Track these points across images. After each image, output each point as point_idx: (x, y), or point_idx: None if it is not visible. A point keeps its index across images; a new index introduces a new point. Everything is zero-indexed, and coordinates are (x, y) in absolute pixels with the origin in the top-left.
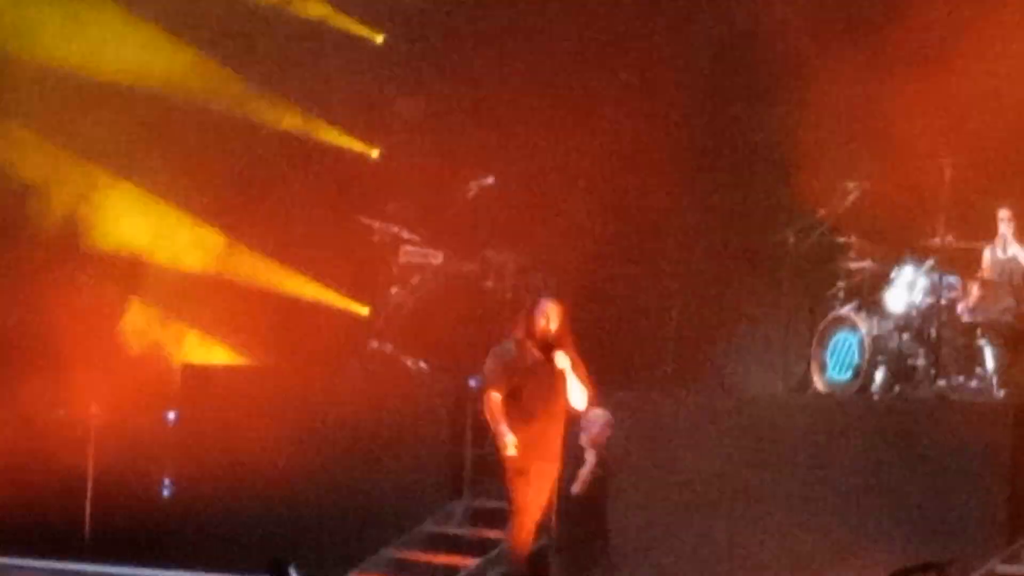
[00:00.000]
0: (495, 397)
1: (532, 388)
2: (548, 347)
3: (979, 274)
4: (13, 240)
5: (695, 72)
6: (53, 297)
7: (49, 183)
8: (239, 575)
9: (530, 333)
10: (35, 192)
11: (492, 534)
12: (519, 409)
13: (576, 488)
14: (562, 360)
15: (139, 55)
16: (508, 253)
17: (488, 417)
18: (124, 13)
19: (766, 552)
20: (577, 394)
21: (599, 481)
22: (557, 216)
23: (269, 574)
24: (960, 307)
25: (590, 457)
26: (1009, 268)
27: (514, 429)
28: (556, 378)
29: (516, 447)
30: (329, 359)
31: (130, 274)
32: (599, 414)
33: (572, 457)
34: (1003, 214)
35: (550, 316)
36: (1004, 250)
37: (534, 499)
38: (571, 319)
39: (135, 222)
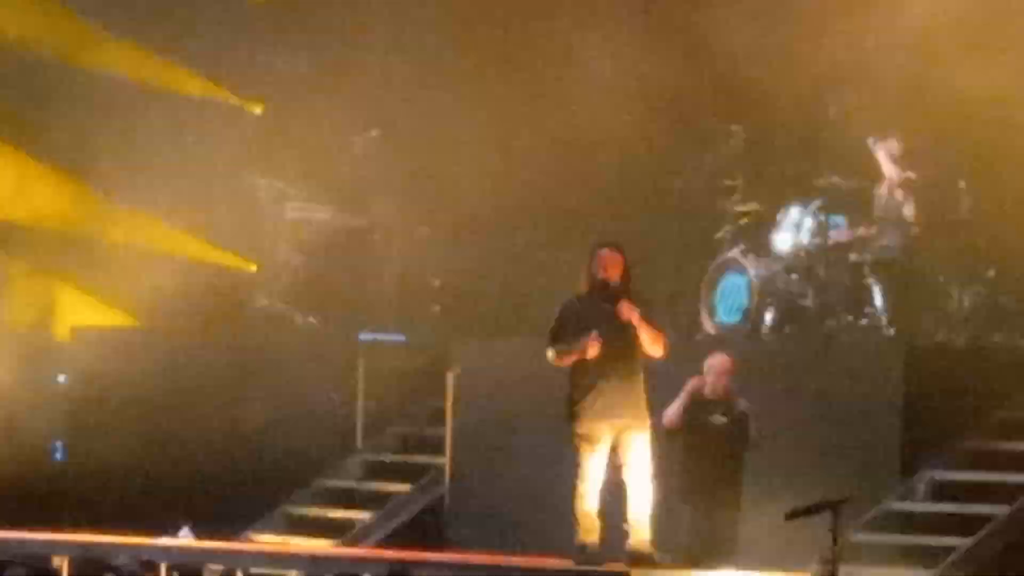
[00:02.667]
0: (550, 356)
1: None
2: (613, 298)
3: (865, 212)
4: None
5: (578, 17)
6: None
7: None
8: (135, 536)
9: (592, 285)
10: None
11: (388, 487)
12: (587, 368)
13: (665, 419)
14: (627, 310)
15: (19, 19)
16: (395, 207)
17: (562, 364)
18: None
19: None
20: (651, 344)
21: (731, 430)
22: (443, 169)
23: None
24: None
25: (683, 394)
26: (893, 205)
27: (584, 390)
28: (625, 331)
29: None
30: (218, 318)
31: (15, 240)
32: (715, 360)
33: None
34: (879, 146)
35: (607, 265)
36: (888, 188)
37: (598, 467)
38: (629, 265)
39: (21, 187)
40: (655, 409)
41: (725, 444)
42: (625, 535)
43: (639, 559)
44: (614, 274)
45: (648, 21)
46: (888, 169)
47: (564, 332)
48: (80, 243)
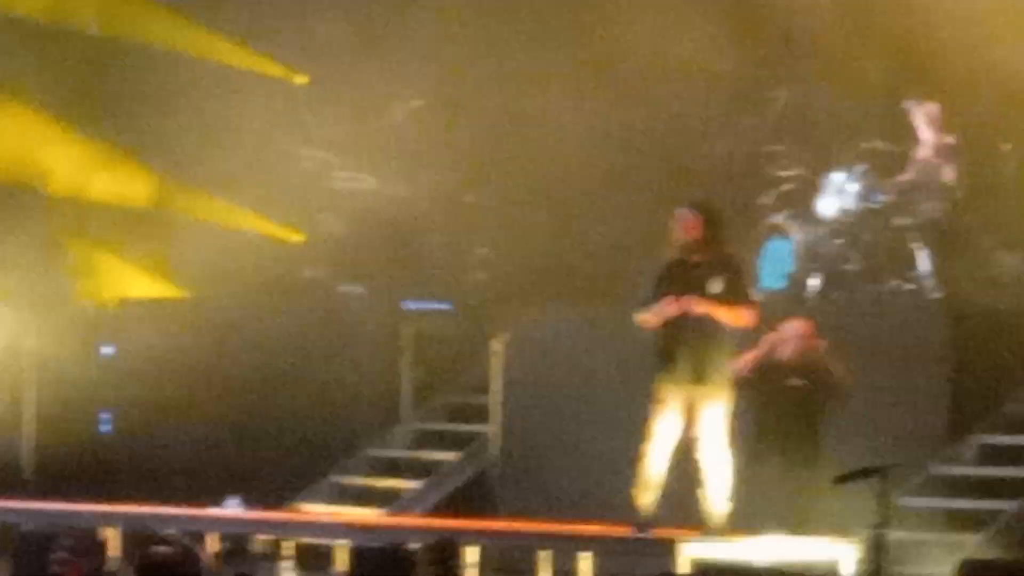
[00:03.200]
0: (636, 318)
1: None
2: (698, 261)
3: (906, 176)
4: None
5: None
6: None
7: None
8: (182, 508)
9: (676, 247)
10: None
11: (434, 456)
12: (666, 332)
13: (734, 370)
14: (688, 303)
15: None
16: (439, 175)
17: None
18: None
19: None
20: (731, 321)
21: (808, 394)
22: (488, 136)
23: None
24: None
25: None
26: (932, 169)
27: (661, 353)
28: (703, 296)
29: (658, 314)
30: (264, 288)
31: (62, 211)
32: (792, 324)
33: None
34: (916, 109)
35: (686, 225)
36: (927, 151)
37: (664, 431)
38: (713, 226)
39: (70, 161)
40: None
41: (800, 407)
42: (701, 507)
43: (709, 532)
44: (689, 234)
45: None
46: (925, 133)
47: (652, 295)
48: (128, 215)
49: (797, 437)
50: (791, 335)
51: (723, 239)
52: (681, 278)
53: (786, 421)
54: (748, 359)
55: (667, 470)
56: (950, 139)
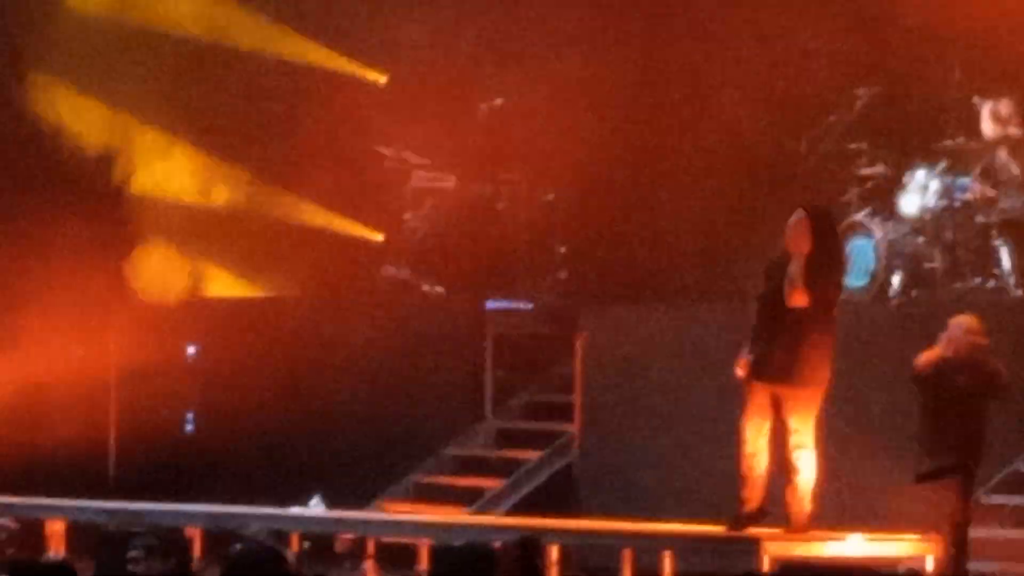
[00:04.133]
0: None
1: (763, 305)
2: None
3: (989, 174)
4: (39, 183)
5: None
6: (74, 236)
7: (75, 127)
8: (265, 508)
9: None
10: (62, 136)
11: (516, 454)
12: (755, 331)
13: (916, 363)
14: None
15: None
16: (520, 174)
17: None
18: None
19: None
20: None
21: (974, 391)
22: (569, 135)
23: None
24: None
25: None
26: (1010, 166)
27: (750, 352)
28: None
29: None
30: (345, 287)
31: (147, 211)
32: (959, 320)
33: None
34: (984, 105)
35: (790, 231)
36: (1013, 148)
37: (752, 430)
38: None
39: (152, 160)
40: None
41: (966, 404)
42: (786, 506)
43: (792, 530)
44: (792, 244)
45: None
46: (989, 128)
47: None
48: (211, 214)
49: (960, 436)
50: (957, 332)
51: (826, 242)
52: (776, 276)
53: (949, 419)
54: (928, 357)
55: (764, 469)
56: (1015, 132)
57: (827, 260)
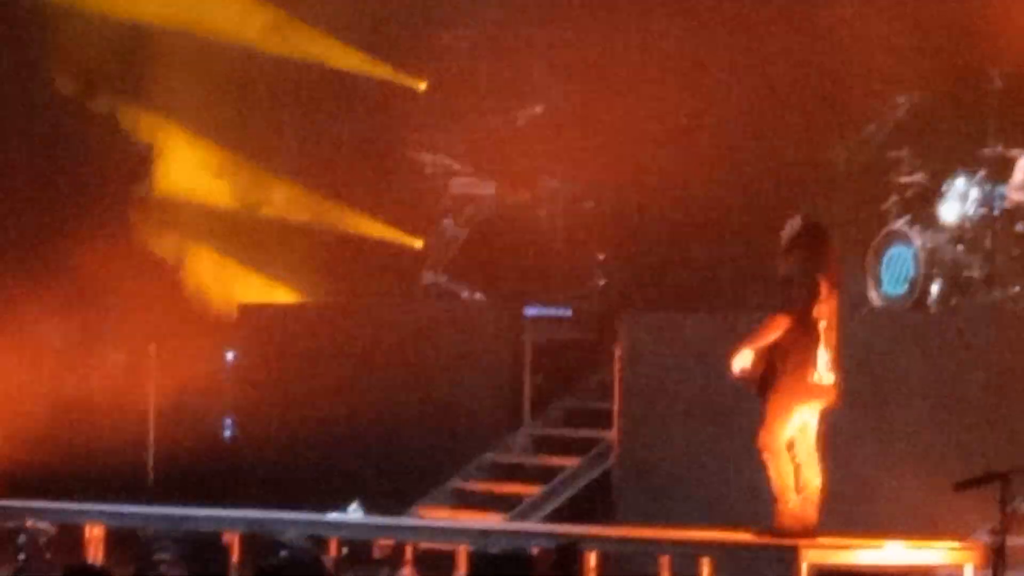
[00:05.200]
0: None
1: None
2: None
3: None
4: (85, 189)
5: None
6: (114, 241)
7: (122, 133)
8: (303, 513)
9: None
10: (109, 141)
11: (555, 461)
12: None
13: None
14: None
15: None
16: (559, 181)
17: None
18: None
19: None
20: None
21: None
22: (608, 142)
23: None
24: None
25: None
26: None
27: None
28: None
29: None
30: (385, 293)
31: (187, 217)
32: None
33: None
34: None
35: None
36: None
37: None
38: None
39: (192, 165)
40: None
41: None
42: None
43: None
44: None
45: None
46: None
47: None
48: (247, 220)
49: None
50: None
51: (814, 252)
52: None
53: None
54: None
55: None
56: None
57: (800, 272)
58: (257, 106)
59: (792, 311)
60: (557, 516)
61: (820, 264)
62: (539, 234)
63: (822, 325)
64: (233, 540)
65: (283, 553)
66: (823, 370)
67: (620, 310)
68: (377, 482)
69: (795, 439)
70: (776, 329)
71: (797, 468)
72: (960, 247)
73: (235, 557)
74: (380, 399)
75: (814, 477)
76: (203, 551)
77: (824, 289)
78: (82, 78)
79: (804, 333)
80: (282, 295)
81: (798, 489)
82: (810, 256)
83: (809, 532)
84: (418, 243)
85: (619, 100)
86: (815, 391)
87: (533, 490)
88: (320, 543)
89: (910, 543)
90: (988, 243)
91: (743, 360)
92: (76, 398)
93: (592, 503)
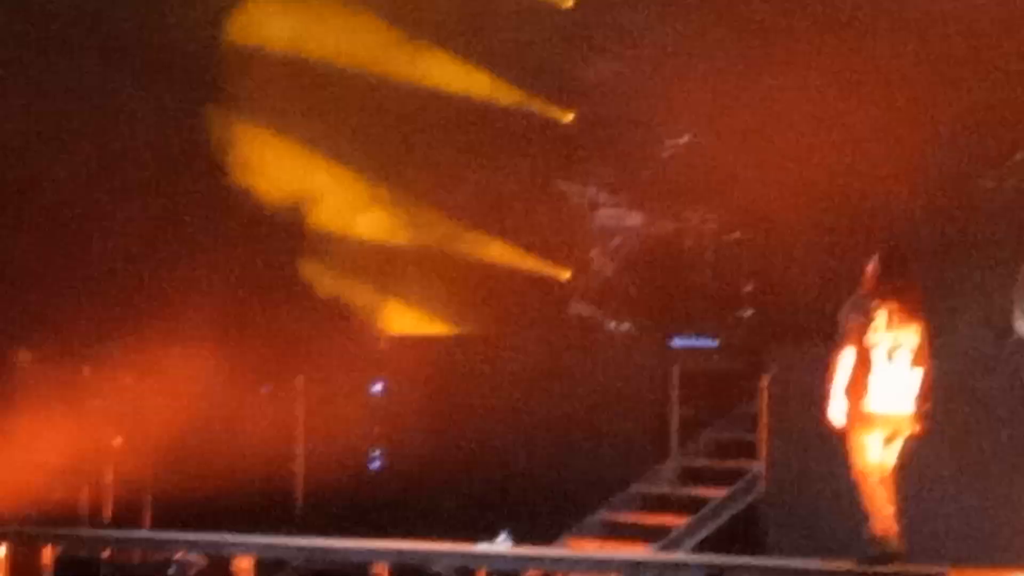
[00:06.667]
0: None
1: None
2: None
3: None
4: (229, 222)
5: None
6: (267, 273)
7: (256, 164)
8: (452, 544)
9: None
10: (254, 177)
11: (702, 492)
12: None
13: None
14: None
15: (333, 32)
16: (706, 212)
17: None
18: None
19: (973, 501)
20: None
21: None
22: (755, 173)
23: None
24: None
25: None
26: None
27: None
28: None
29: None
30: (533, 324)
31: (339, 249)
32: None
33: None
34: None
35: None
36: None
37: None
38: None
39: (339, 198)
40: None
41: None
42: None
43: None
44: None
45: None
46: None
47: None
48: (394, 251)
49: None
50: None
51: (877, 281)
52: None
53: None
54: None
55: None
56: None
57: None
58: (401, 136)
59: (840, 343)
60: (704, 547)
61: (880, 293)
62: (686, 265)
63: (874, 353)
64: (383, 572)
65: None
66: (879, 398)
67: (767, 341)
68: (526, 513)
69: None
70: (836, 365)
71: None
72: None
73: None
74: (528, 430)
75: (888, 505)
76: None
77: (881, 316)
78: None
79: (860, 363)
80: (430, 326)
81: (868, 516)
82: (874, 286)
83: (893, 558)
84: (566, 274)
85: (765, 130)
86: (869, 420)
87: (680, 521)
88: (469, 574)
89: None
90: None
91: (835, 412)
92: (226, 430)
93: (739, 534)
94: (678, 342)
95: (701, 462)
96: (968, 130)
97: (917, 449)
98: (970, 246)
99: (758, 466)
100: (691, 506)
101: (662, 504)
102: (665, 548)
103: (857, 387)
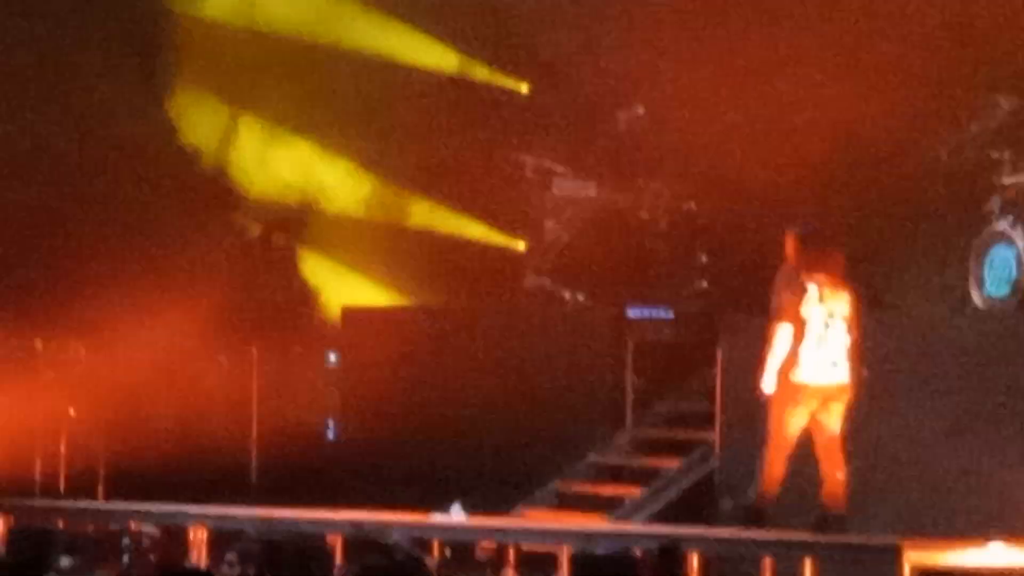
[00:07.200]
0: None
1: None
2: None
3: None
4: (181, 192)
5: None
6: (215, 245)
7: (217, 136)
8: (406, 515)
9: None
10: (205, 144)
11: (656, 463)
12: None
13: None
14: None
15: (287, 3)
16: (661, 183)
17: None
18: None
19: (927, 471)
20: None
21: None
22: (709, 143)
23: None
24: None
25: None
26: None
27: None
28: None
29: None
30: (487, 295)
31: (290, 219)
32: None
33: None
34: None
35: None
36: None
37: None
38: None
39: (295, 169)
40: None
41: None
42: None
43: None
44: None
45: None
46: None
47: None
48: (348, 223)
49: None
50: None
51: (801, 256)
52: None
53: None
54: None
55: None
56: None
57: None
58: (357, 109)
59: (774, 318)
60: (659, 518)
61: (806, 267)
62: (641, 236)
63: (809, 326)
64: (336, 542)
65: (385, 554)
66: (809, 369)
67: (722, 311)
68: (479, 484)
69: (813, 435)
70: (772, 337)
71: (819, 463)
72: None
73: (339, 559)
74: (482, 401)
75: (835, 471)
76: (274, 555)
77: (811, 290)
78: None
79: (794, 336)
80: (385, 298)
81: (820, 482)
82: (798, 261)
83: (837, 521)
84: (520, 245)
85: (721, 101)
86: (796, 391)
87: (635, 491)
88: (423, 544)
89: (1015, 543)
90: None
91: (768, 383)
92: (180, 401)
93: (695, 504)
94: (633, 313)
95: (656, 433)
96: (924, 100)
97: (870, 420)
98: (925, 217)
99: (713, 437)
100: (646, 477)
101: (617, 474)
102: (619, 519)
103: (789, 358)
